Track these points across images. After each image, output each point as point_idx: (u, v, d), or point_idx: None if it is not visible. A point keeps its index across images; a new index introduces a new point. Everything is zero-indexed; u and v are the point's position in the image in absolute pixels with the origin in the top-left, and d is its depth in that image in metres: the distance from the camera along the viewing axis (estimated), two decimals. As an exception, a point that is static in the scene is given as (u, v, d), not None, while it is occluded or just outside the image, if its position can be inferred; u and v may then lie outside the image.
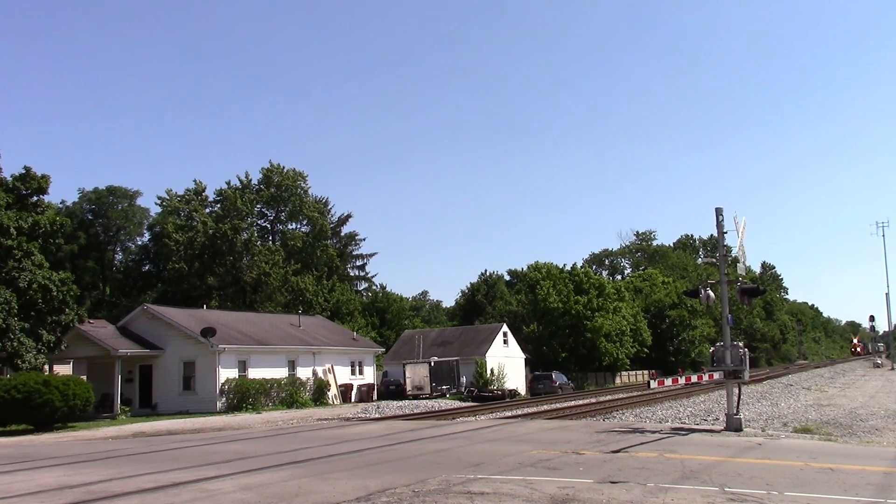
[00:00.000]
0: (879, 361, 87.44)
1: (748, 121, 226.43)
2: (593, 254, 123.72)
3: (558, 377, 54.45)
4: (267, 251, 64.94)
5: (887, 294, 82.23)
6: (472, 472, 12.07)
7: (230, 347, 37.75)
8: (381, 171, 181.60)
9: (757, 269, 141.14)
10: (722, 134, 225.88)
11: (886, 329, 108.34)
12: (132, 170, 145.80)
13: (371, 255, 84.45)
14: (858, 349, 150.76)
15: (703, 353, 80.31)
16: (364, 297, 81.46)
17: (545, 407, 34.82)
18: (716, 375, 19.76)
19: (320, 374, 43.14)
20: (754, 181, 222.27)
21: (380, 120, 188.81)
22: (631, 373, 75.94)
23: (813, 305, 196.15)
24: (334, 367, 44.60)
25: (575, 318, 66.35)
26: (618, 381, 71.90)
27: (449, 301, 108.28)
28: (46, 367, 33.48)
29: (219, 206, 67.04)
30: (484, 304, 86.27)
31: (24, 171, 33.21)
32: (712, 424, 21.93)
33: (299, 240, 69.90)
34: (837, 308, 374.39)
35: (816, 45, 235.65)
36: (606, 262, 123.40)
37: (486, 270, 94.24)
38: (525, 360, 60.29)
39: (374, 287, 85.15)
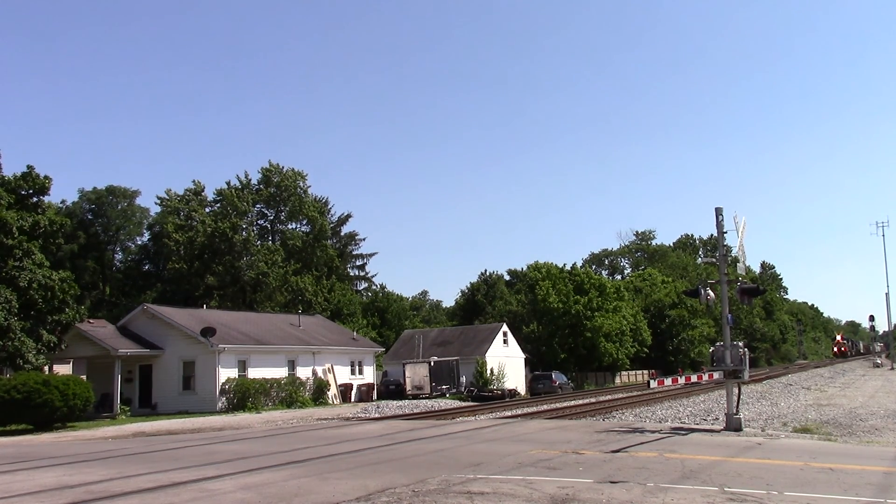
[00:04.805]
0: (879, 361, 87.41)
1: (748, 121, 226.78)
2: (593, 254, 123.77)
3: (558, 377, 54.43)
4: (266, 251, 64.95)
5: (887, 294, 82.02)
6: (472, 471, 12.07)
7: (230, 347, 37.75)
8: (381, 171, 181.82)
9: (757, 269, 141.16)
10: (722, 134, 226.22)
11: (886, 329, 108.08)
12: (132, 170, 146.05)
13: (371, 255, 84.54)
14: (843, 349, 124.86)
15: (702, 352, 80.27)
16: (364, 297, 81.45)
17: (545, 407, 34.82)
18: (716, 375, 19.77)
19: (320, 374, 43.14)
20: (754, 181, 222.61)
21: (380, 120, 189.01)
22: (631, 373, 75.92)
23: (813, 305, 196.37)
24: (334, 366, 44.60)
25: (575, 318, 66.33)
26: (618, 380, 71.90)
27: (449, 301, 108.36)
28: (46, 367, 33.48)
29: (218, 205, 67.04)
30: (484, 304, 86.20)
31: (26, 171, 33.21)
32: (712, 424, 21.94)
33: (299, 239, 69.89)
34: (837, 308, 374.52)
35: (816, 45, 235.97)
36: (606, 262, 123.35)
37: (486, 270, 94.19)
38: (525, 359, 60.28)
39: (374, 287, 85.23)
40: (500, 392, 48.27)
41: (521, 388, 54.94)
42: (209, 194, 68.98)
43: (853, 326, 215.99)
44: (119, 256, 78.24)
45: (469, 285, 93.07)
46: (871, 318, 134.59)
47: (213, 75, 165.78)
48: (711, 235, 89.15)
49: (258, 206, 71.77)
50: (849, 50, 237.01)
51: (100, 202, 73.40)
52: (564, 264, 75.41)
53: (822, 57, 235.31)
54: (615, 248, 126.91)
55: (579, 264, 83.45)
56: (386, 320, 75.45)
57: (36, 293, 31.00)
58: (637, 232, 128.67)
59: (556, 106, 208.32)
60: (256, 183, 72.23)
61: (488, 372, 51.57)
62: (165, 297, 58.33)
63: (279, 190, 71.55)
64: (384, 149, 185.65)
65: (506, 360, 55.04)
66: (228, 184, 69.68)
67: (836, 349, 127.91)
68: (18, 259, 31.20)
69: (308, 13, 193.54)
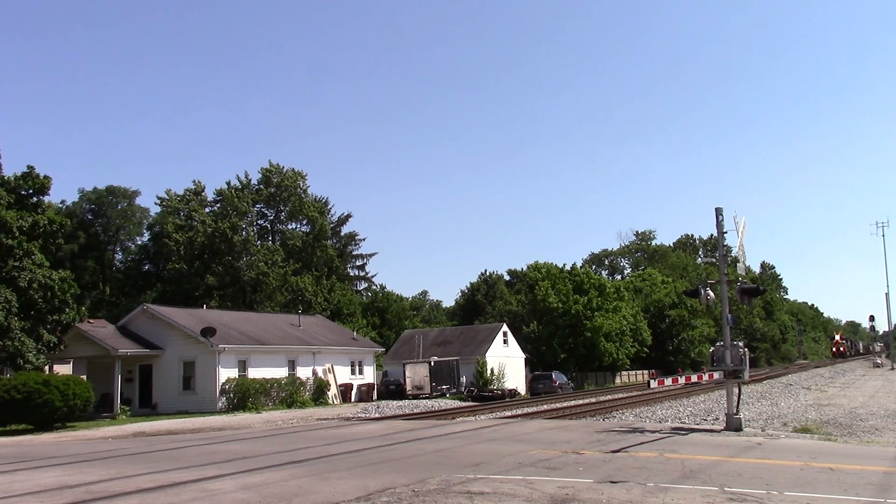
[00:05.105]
0: (879, 361, 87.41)
1: (748, 121, 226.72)
2: (593, 254, 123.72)
3: (558, 377, 54.41)
4: (266, 251, 64.95)
5: (887, 294, 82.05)
6: (472, 471, 12.07)
7: (230, 347, 37.74)
8: (381, 171, 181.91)
9: (757, 269, 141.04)
10: (722, 134, 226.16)
11: (886, 329, 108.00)
12: (132, 170, 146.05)
13: (371, 255, 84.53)
14: (841, 349, 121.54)
15: (703, 352, 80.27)
16: (364, 297, 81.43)
17: (545, 407, 34.82)
18: (716, 375, 19.76)
19: (320, 374, 43.14)
20: (754, 181, 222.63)
21: (380, 120, 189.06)
22: (631, 373, 75.93)
23: (813, 305, 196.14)
24: (334, 366, 44.60)
25: (575, 318, 66.35)
26: (618, 380, 71.91)
27: (449, 301, 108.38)
28: (46, 367, 33.47)
29: (218, 205, 67.04)
30: (484, 304, 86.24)
31: (26, 171, 33.21)
32: (712, 424, 21.93)
33: (299, 239, 69.88)
34: (837, 308, 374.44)
35: (816, 45, 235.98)
36: (606, 262, 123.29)
37: (486, 270, 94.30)
38: (525, 359, 60.29)
39: (374, 287, 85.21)
40: (500, 392, 48.27)
41: (521, 388, 54.93)
42: (209, 194, 69.03)
43: (853, 326, 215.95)
44: (119, 256, 78.27)
45: (469, 285, 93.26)
46: (871, 318, 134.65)
47: (214, 75, 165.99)
48: (711, 235, 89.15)
49: (258, 206, 71.75)
50: (848, 50, 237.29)
51: (100, 202, 73.39)
52: (564, 264, 75.57)
53: (821, 57, 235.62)
54: (615, 248, 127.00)
55: (579, 264, 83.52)
56: (386, 320, 75.44)
57: (36, 293, 31.00)
58: (637, 232, 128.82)
59: (556, 106, 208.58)
60: (256, 183, 72.21)
61: (488, 372, 51.57)
62: (165, 297, 58.32)
63: (279, 190, 71.53)
64: (384, 149, 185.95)
65: (506, 360, 55.05)
66: (228, 184, 69.72)
67: (834, 349, 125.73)
68: (18, 259, 31.19)
69: (308, 13, 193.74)
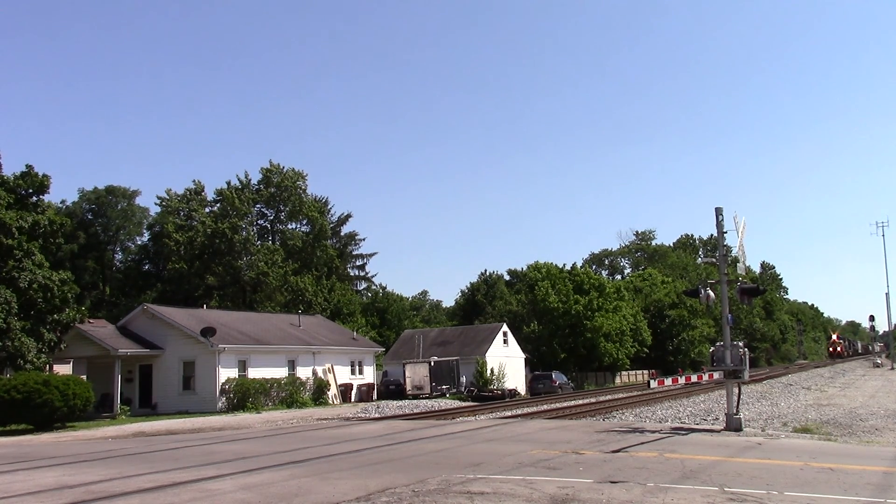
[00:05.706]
0: (879, 361, 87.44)
1: (748, 121, 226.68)
2: (593, 254, 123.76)
3: (558, 377, 54.43)
4: (266, 251, 64.97)
5: (887, 294, 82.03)
6: (472, 471, 12.07)
7: (230, 347, 37.75)
8: (380, 171, 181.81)
9: (757, 269, 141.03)
10: (722, 134, 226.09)
11: (886, 329, 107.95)
12: (132, 170, 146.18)
13: (371, 255, 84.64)
14: (838, 349, 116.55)
15: (703, 352, 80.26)
16: (364, 297, 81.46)
17: (545, 407, 34.83)
18: (716, 375, 19.76)
19: (320, 374, 43.15)
20: (754, 181, 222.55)
21: (380, 120, 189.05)
22: (631, 373, 75.95)
23: (813, 305, 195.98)
24: (334, 366, 44.61)
25: (575, 318, 66.36)
26: (618, 380, 71.92)
27: (449, 301, 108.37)
28: (47, 367, 33.46)
29: (218, 205, 67.06)
30: (484, 303, 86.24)
31: (25, 171, 33.21)
32: (712, 424, 21.94)
33: (299, 239, 69.92)
34: (837, 308, 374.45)
35: (816, 45, 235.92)
36: (606, 262, 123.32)
37: (486, 270, 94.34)
38: (525, 359, 60.30)
39: (374, 287, 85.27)
40: (500, 392, 48.27)
41: (521, 388, 54.94)
42: (209, 194, 69.08)
43: (853, 326, 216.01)
44: (119, 256, 78.31)
45: (469, 285, 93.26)
46: (871, 318, 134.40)
47: (213, 75, 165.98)
48: (711, 235, 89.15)
49: (258, 206, 71.78)
50: (848, 50, 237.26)
51: (100, 202, 73.40)
52: (564, 264, 75.60)
53: (821, 57, 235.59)
54: (615, 248, 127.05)
55: (579, 264, 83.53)
56: (386, 320, 75.46)
57: (36, 293, 30.99)
58: (637, 232, 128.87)
59: (556, 106, 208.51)
60: (256, 183, 72.23)
61: (488, 372, 51.57)
62: (165, 297, 58.33)
63: (279, 190, 71.54)
64: (384, 149, 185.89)
65: (506, 360, 55.05)
66: (228, 184, 69.71)
67: (830, 349, 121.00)
68: (18, 259, 31.19)
69: (308, 13, 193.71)
